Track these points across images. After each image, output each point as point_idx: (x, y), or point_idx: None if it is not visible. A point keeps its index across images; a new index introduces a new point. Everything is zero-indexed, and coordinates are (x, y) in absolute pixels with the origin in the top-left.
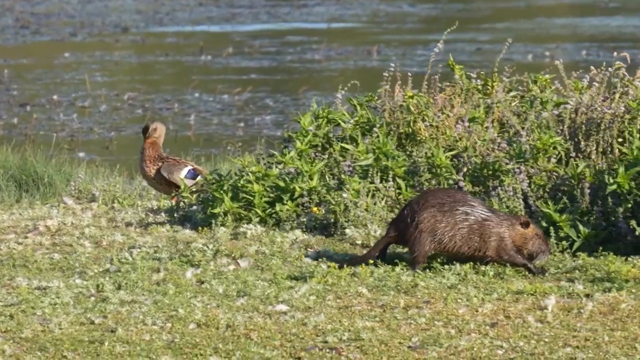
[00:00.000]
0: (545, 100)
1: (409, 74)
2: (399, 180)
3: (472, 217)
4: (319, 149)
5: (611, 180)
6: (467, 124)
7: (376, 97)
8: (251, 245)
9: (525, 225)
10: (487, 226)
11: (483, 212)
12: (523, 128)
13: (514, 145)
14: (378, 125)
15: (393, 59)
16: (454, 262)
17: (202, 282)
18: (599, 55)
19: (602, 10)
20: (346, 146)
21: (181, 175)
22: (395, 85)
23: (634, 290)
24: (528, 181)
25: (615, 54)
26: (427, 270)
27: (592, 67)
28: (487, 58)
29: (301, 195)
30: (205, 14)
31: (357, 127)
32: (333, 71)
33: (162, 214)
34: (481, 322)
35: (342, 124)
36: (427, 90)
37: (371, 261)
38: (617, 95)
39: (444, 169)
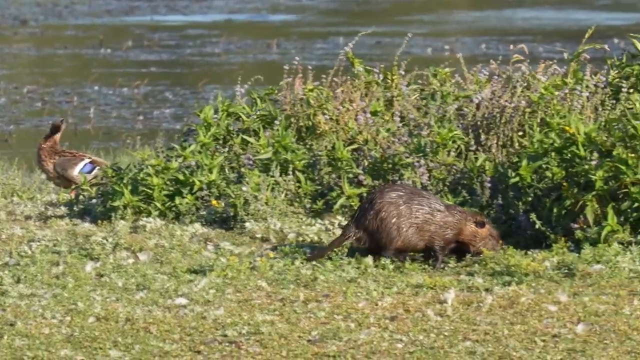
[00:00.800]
0: (446, 94)
1: (309, 67)
2: (299, 174)
3: (428, 209)
4: (220, 142)
5: (513, 173)
6: (368, 115)
7: (277, 91)
8: (150, 238)
9: (480, 225)
10: (441, 218)
11: (439, 205)
12: (424, 122)
13: (414, 138)
14: (278, 119)
15: (292, 52)
16: (354, 256)
17: (102, 276)
18: (498, 48)
19: (502, 4)
20: (247, 138)
21: (75, 171)
22: (295, 78)
23: (533, 284)
24: (428, 175)
25: (511, 47)
26: (328, 262)
27: (491, 61)
28: (386, 51)
29: (201, 189)
30: (104, 6)
31: (258, 120)
32: (233, 64)
33: (62, 207)
34: (381, 315)
35: (243, 117)
36: (329, 84)
37: (271, 255)
38: (518, 89)
39: (344, 162)
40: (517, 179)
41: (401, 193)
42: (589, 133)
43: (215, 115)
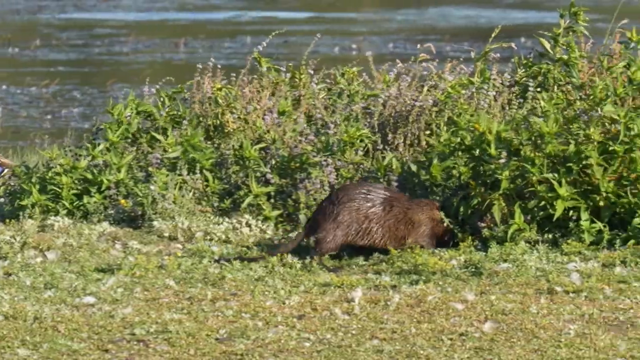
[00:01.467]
0: (354, 93)
1: (218, 66)
2: (207, 173)
3: (396, 208)
4: (129, 141)
5: (423, 172)
6: (275, 115)
7: (185, 90)
8: (59, 237)
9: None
10: (413, 213)
11: (406, 201)
12: (331, 121)
13: (322, 137)
14: (187, 118)
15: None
16: (262, 251)
17: (10, 275)
18: (406, 47)
19: (411, 3)
20: (157, 136)
21: None
22: (204, 77)
23: (440, 283)
24: (335, 174)
25: (419, 46)
26: (236, 261)
27: (397, 60)
28: (294, 51)
29: (109, 188)
30: (12, 5)
31: (167, 119)
32: (141, 64)
33: None
34: (288, 314)
35: (156, 114)
36: (238, 83)
37: (179, 253)
38: (425, 88)
39: (252, 161)
40: (427, 177)
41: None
42: (499, 132)
43: (128, 114)
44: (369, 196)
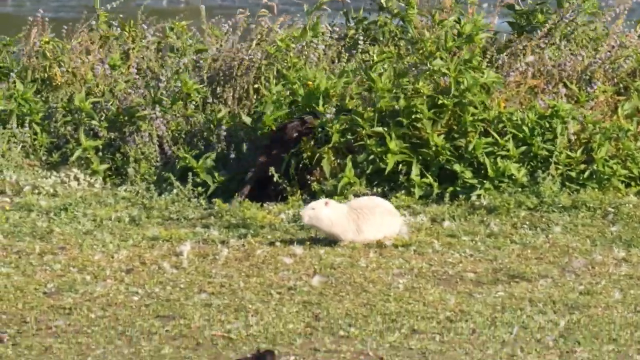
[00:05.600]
0: (185, 47)
1: (46, 19)
2: (35, 126)
3: None
4: None
5: (259, 125)
6: (106, 66)
7: (15, 42)
8: None
9: None
10: None
11: None
12: (162, 74)
13: (152, 90)
14: (14, 71)
15: (28, 4)
16: (90, 207)
17: None
18: (234, 1)
19: None
20: None
21: None
22: (33, 30)
23: (269, 237)
24: (165, 127)
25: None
26: (63, 215)
27: (238, 11)
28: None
29: None
30: None
31: None
32: None
33: None
34: (117, 268)
35: None
36: (67, 36)
37: (7, 207)
38: (253, 42)
39: (84, 114)
40: (265, 130)
41: None
42: (327, 88)
43: None
44: None
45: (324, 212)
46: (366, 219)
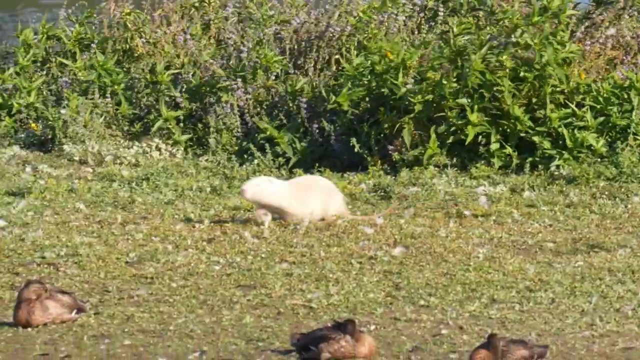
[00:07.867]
0: (266, 18)
1: None
2: (118, 96)
3: None
4: (39, 65)
5: (333, 98)
6: (188, 36)
7: (95, 14)
8: None
9: None
10: None
11: None
12: (243, 44)
13: (233, 61)
14: (96, 42)
15: None
16: (172, 177)
17: None
18: None
19: None
20: (64, 61)
21: None
22: (112, 1)
23: (350, 207)
24: (245, 98)
25: None
26: (145, 184)
27: None
28: None
29: (19, 112)
30: None
31: (76, 43)
32: None
33: None
34: (198, 238)
35: (64, 39)
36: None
37: (89, 177)
38: (336, 14)
39: (163, 86)
40: (334, 105)
41: None
42: (405, 59)
43: (36, 36)
44: None
45: (270, 188)
46: (310, 194)
